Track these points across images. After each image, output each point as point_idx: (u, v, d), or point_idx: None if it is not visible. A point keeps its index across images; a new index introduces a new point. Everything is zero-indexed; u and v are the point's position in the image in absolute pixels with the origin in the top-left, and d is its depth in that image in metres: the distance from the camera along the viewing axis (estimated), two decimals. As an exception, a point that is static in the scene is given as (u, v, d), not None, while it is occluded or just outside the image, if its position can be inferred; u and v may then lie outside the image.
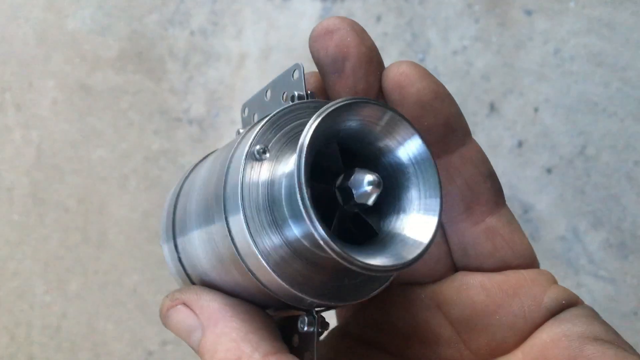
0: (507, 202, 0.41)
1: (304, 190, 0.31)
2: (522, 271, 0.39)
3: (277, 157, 0.36)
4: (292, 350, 0.36)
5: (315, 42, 0.37)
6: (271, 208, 0.34)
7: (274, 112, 0.37)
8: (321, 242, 0.31)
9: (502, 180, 0.40)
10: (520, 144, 0.86)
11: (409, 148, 0.35)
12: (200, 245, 0.38)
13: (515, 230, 0.39)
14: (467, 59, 0.87)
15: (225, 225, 0.35)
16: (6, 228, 0.89)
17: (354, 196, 0.34)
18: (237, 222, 0.34)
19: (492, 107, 0.86)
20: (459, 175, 0.38)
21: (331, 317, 0.40)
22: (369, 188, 0.34)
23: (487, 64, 0.87)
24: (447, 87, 0.38)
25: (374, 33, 0.89)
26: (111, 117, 0.92)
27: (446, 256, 0.40)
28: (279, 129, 0.37)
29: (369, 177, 0.34)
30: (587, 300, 0.39)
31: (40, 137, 0.91)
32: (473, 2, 0.89)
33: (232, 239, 0.35)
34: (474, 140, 0.39)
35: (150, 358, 0.88)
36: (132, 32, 0.94)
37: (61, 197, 0.89)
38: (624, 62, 0.86)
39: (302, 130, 0.32)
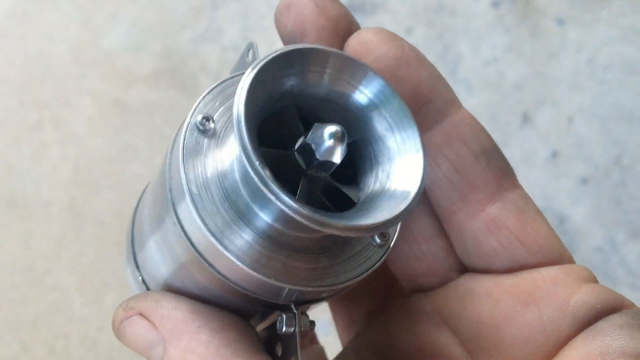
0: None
1: (251, 154, 0.26)
2: (542, 270, 0.31)
3: (226, 131, 0.31)
4: None
5: (276, 20, 0.33)
6: (223, 188, 0.29)
7: (219, 82, 0.32)
8: (287, 210, 0.26)
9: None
10: (554, 155, 0.85)
11: (365, 87, 0.30)
12: (157, 253, 0.33)
13: (529, 219, 0.31)
14: (498, 70, 0.87)
15: (174, 214, 0.30)
16: (44, 242, 0.90)
17: (316, 154, 0.29)
18: (185, 208, 0.29)
19: (525, 118, 0.85)
20: (443, 156, 0.31)
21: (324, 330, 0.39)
22: (330, 142, 0.28)
23: (519, 75, 0.87)
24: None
25: (405, 45, 0.89)
26: (145, 133, 0.93)
27: (446, 253, 0.33)
28: (226, 98, 0.31)
29: (330, 128, 0.28)
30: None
31: (77, 153, 0.93)
32: (504, 13, 0.88)
33: (183, 229, 0.29)
34: (464, 110, 0.32)
35: (185, 371, 0.89)
36: (165, 49, 0.95)
37: (97, 212, 0.91)
38: (659, 70, 0.85)
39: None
